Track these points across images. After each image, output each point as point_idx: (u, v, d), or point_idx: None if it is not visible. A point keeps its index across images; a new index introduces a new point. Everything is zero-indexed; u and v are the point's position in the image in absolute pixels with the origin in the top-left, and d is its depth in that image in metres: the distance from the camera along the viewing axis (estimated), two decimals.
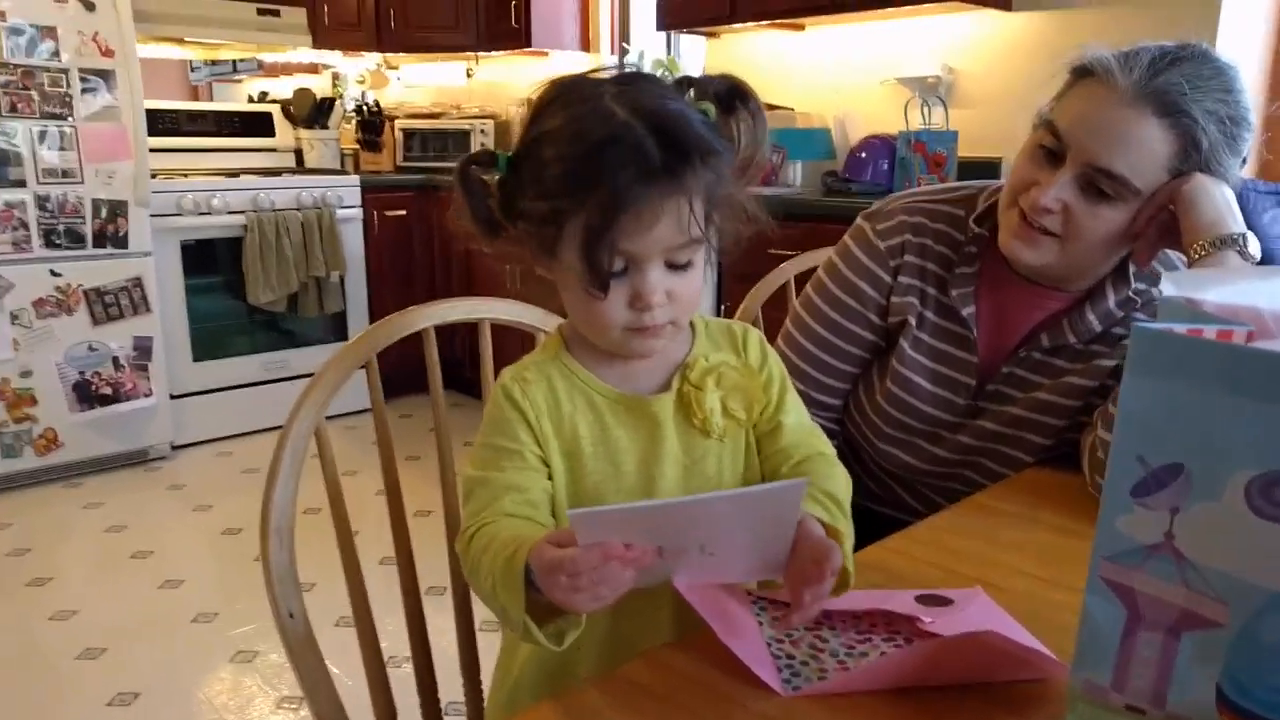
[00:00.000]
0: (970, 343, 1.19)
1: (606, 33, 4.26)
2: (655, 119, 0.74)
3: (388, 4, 4.29)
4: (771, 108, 3.29)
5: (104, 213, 3.30)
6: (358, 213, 3.97)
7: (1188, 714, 0.51)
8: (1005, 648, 0.65)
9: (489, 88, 4.65)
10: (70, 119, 3.19)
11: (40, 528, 2.99)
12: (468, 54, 4.50)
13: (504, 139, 4.52)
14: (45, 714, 2.05)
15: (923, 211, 1.23)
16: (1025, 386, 1.17)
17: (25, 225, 3.15)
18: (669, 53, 3.88)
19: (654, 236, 0.75)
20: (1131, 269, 1.12)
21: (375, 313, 4.12)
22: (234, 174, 3.84)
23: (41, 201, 3.17)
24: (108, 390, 3.39)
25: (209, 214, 3.59)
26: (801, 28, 3.42)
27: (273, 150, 4.38)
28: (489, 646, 1.17)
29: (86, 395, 3.34)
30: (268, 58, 5.09)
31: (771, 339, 0.99)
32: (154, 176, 3.47)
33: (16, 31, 3.07)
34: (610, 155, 0.72)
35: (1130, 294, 1.13)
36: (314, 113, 4.40)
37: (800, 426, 0.92)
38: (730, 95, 0.80)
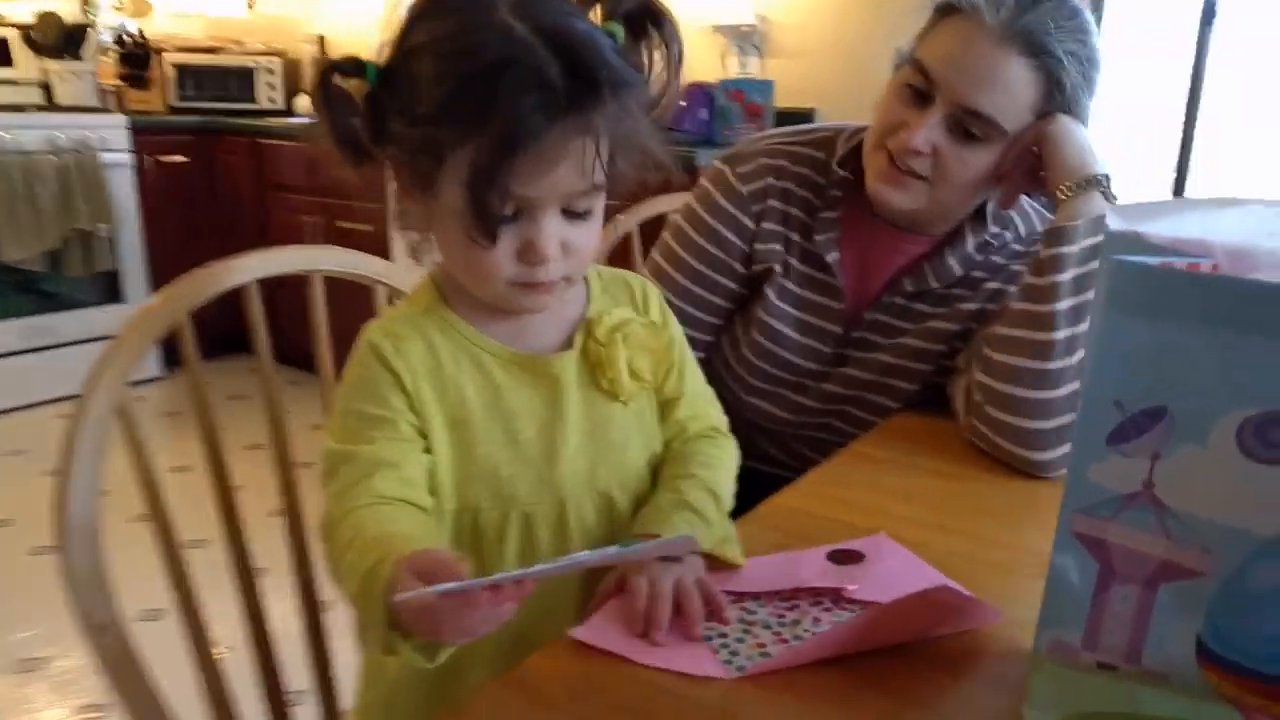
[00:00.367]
0: (836, 290, 1.17)
1: None
2: (561, 40, 0.63)
3: None
4: None
5: None
6: (127, 158, 3.52)
7: (1164, 668, 0.49)
8: (947, 601, 0.62)
9: (273, 22, 4.25)
10: None
11: None
12: None
13: (294, 79, 4.16)
14: None
15: (784, 154, 1.19)
16: (890, 333, 1.17)
17: None
18: None
19: (553, 181, 0.66)
20: (989, 212, 1.13)
21: (157, 272, 3.70)
22: None
23: None
24: None
25: None
26: None
27: (12, 83, 3.80)
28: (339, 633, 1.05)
29: None
30: None
31: None
32: None
33: None
34: (506, 80, 0.61)
35: (987, 238, 1.14)
36: (63, 41, 3.84)
37: (698, 395, 0.86)
38: (642, 15, 0.71)
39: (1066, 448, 0.95)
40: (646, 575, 0.69)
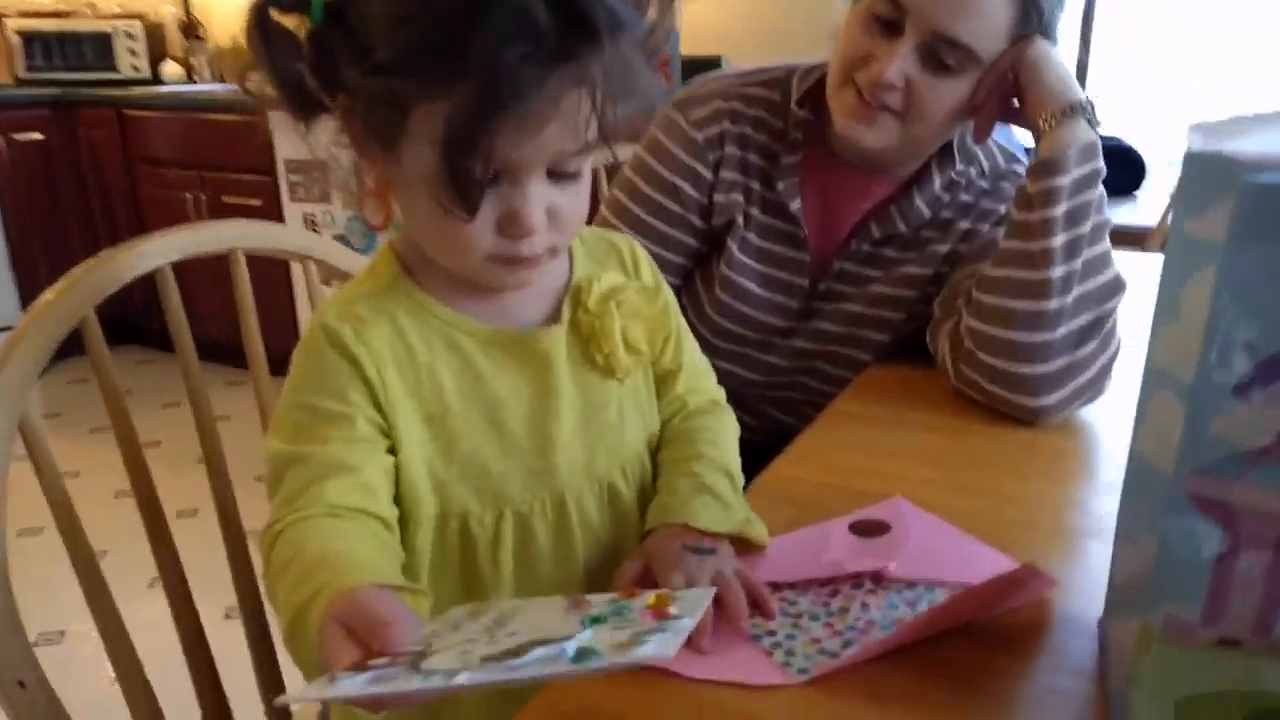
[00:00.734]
0: (800, 240, 1.10)
1: None
2: None
3: None
4: None
5: None
6: None
7: None
8: (1013, 578, 0.58)
9: None
10: None
11: None
12: None
13: (158, 45, 3.84)
14: None
15: (739, 97, 1.11)
16: (859, 282, 1.11)
17: None
18: None
19: (541, 141, 0.56)
20: (956, 147, 1.07)
21: (19, 262, 3.39)
22: None
23: None
24: None
25: None
26: None
27: None
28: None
29: None
30: None
31: None
32: None
33: None
34: (485, 23, 0.51)
35: (953, 176, 1.09)
36: None
37: (696, 367, 0.79)
38: None
39: (1065, 391, 0.92)
40: (681, 572, 0.61)
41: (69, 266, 0.77)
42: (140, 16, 3.74)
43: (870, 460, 0.87)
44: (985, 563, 0.66)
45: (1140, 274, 0.94)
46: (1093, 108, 0.92)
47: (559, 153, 0.58)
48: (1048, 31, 0.96)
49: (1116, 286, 0.92)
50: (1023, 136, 1.14)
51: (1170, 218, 0.52)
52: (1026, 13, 0.94)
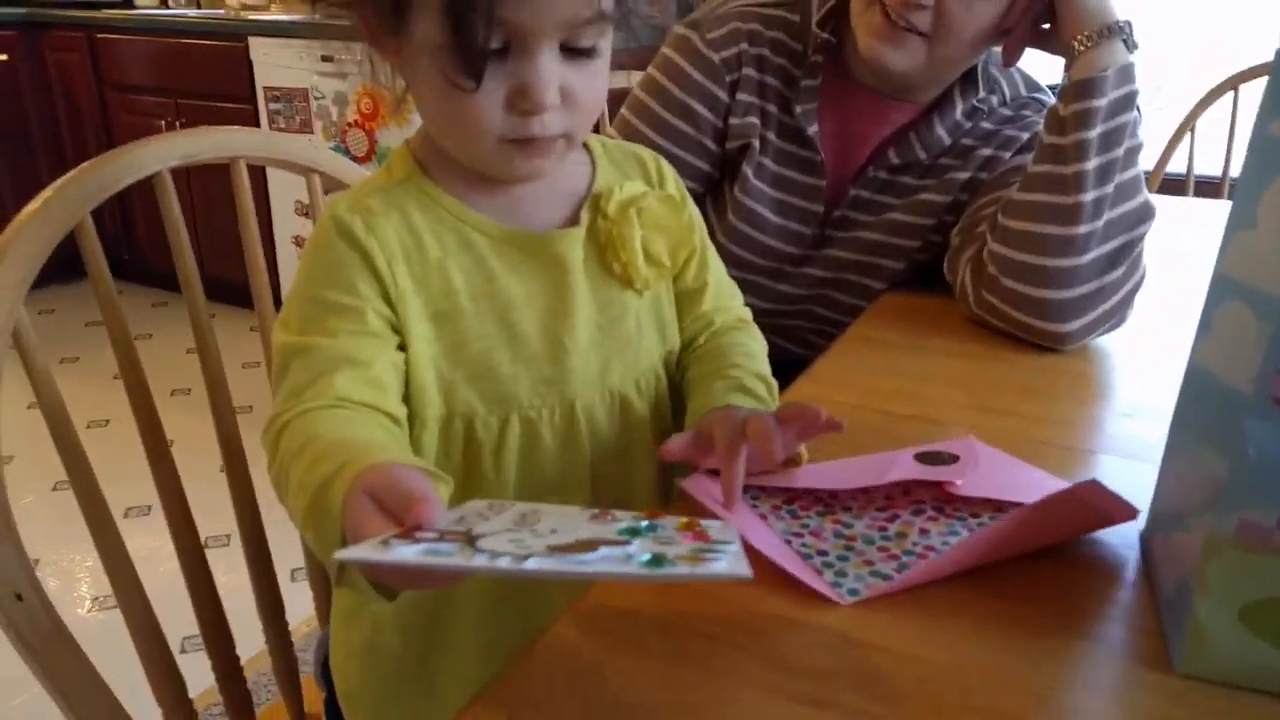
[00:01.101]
0: (817, 166, 1.07)
1: None
2: None
3: None
4: None
5: None
6: None
7: None
8: (1091, 501, 0.55)
9: None
10: None
11: None
12: None
13: None
14: None
15: (757, 18, 1.07)
16: (875, 209, 1.09)
17: None
18: None
19: (551, 2, 0.53)
20: (979, 73, 1.05)
21: None
22: None
23: None
24: None
25: None
26: None
27: None
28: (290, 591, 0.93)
29: None
30: None
31: None
32: None
33: None
34: None
35: (975, 103, 1.06)
36: None
37: (721, 285, 0.77)
38: None
39: (1090, 318, 0.90)
40: (730, 418, 0.62)
41: (36, 194, 0.72)
42: None
43: (896, 382, 0.85)
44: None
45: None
46: (1130, 29, 0.90)
47: (570, 19, 0.55)
48: None
49: (1146, 212, 0.90)
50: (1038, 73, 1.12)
51: (1254, 123, 0.50)
52: None
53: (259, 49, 2.86)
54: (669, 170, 0.74)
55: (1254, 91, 1.89)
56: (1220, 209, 1.45)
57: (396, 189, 0.63)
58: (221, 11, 3.28)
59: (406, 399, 0.63)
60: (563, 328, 0.65)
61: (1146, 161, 2.08)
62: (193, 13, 3.40)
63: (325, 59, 2.70)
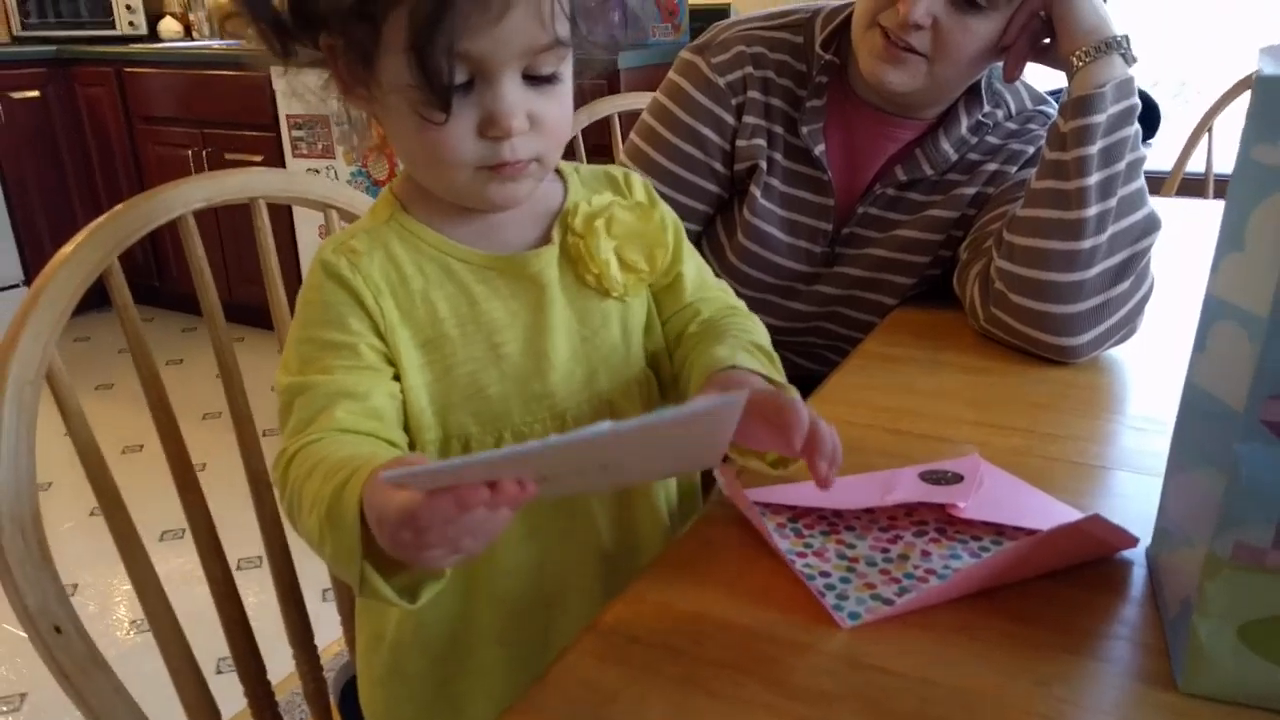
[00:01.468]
0: (825, 185, 1.08)
1: None
2: None
3: None
4: None
5: None
6: None
7: None
8: (1096, 533, 0.56)
9: None
10: None
11: None
12: None
13: (154, 1, 3.77)
14: None
15: (762, 41, 1.09)
16: (883, 226, 1.10)
17: None
18: None
19: (506, 30, 0.56)
20: (984, 88, 1.05)
21: (22, 223, 3.36)
22: None
23: None
24: None
25: None
26: None
27: None
28: (320, 613, 0.95)
29: None
30: None
31: None
32: None
33: None
34: None
35: (980, 118, 1.07)
36: None
37: (702, 276, 0.77)
38: None
39: (1098, 331, 0.91)
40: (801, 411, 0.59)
41: (71, 226, 0.76)
42: None
43: (906, 399, 0.86)
44: (1061, 519, 0.64)
45: (1161, 218, 0.93)
46: (1128, 43, 0.90)
47: (528, 48, 0.58)
48: None
49: (1151, 224, 0.91)
50: (1037, 81, 1.12)
51: (1239, 146, 0.51)
52: None
53: (280, 78, 2.91)
54: (637, 179, 0.75)
55: None
56: None
57: (380, 228, 0.66)
58: (244, 43, 3.35)
59: (405, 426, 0.65)
60: (544, 343, 0.67)
61: (1165, 161, 2.08)
62: (216, 44, 3.47)
63: (330, 80, 2.75)
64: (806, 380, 0.95)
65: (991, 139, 1.08)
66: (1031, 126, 1.08)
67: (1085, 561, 0.61)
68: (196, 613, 0.92)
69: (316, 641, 0.92)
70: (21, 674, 1.75)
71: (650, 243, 0.71)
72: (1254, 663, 0.48)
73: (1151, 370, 0.94)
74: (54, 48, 3.41)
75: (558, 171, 0.72)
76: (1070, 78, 0.92)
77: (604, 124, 1.53)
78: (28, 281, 3.34)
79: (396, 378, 0.64)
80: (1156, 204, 0.93)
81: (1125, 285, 0.90)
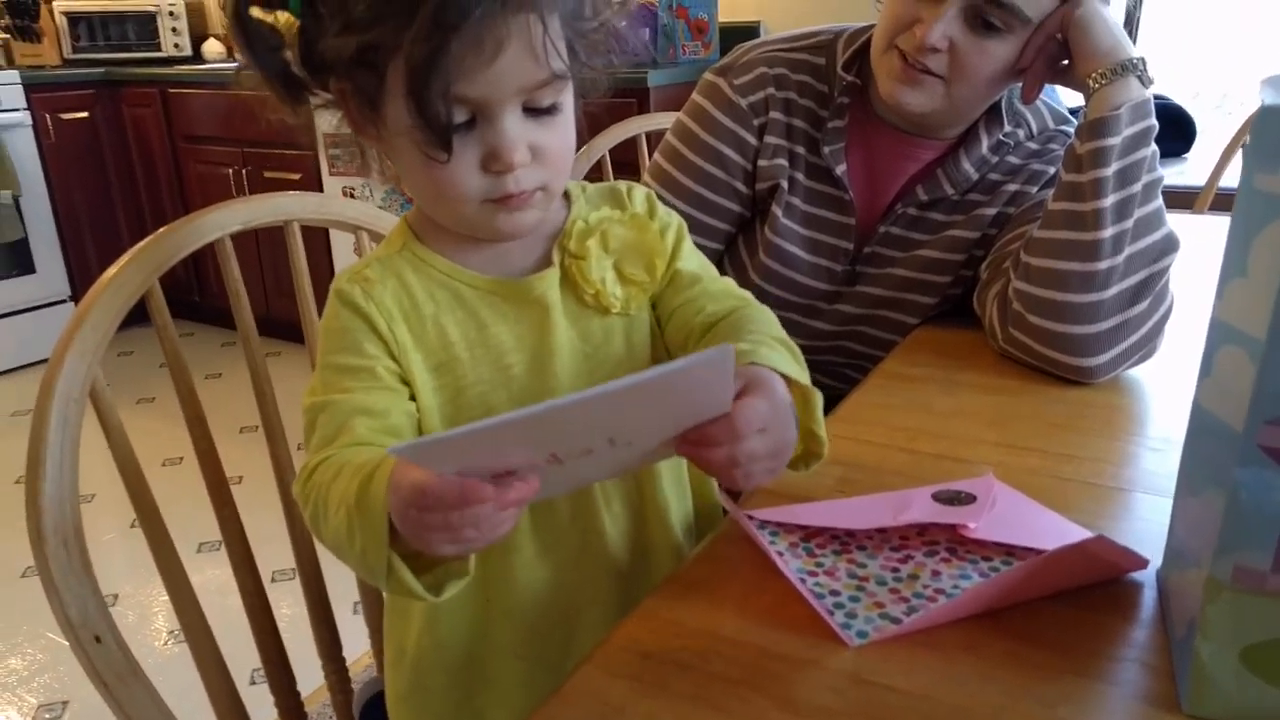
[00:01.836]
0: (846, 204, 1.10)
1: None
2: None
3: None
4: None
5: None
6: (23, 117, 3.26)
7: None
8: (1103, 554, 0.57)
9: None
10: None
11: None
12: None
13: (198, 24, 3.88)
14: None
15: (784, 62, 1.11)
16: (905, 245, 1.11)
17: None
18: None
19: (501, 70, 0.57)
20: (1004, 108, 1.06)
21: (69, 239, 3.46)
22: None
23: None
24: None
25: None
26: None
27: None
28: (350, 625, 0.97)
29: None
30: None
31: None
32: None
33: None
34: None
35: (1001, 138, 1.07)
36: None
37: (705, 272, 0.76)
38: None
39: (1116, 351, 0.91)
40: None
41: (116, 242, 0.79)
42: None
43: (924, 420, 0.87)
44: (1072, 541, 0.65)
45: (1190, 234, 0.92)
46: (1144, 65, 0.91)
47: (525, 85, 0.59)
48: None
49: (1169, 245, 0.91)
50: (1068, 97, 1.13)
51: (1241, 173, 0.52)
52: None
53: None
54: (639, 190, 0.75)
55: None
56: None
57: (393, 257, 0.68)
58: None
59: None
60: (549, 364, 0.69)
61: (1200, 176, 2.06)
62: None
63: (343, 120, 2.81)
64: (828, 399, 0.96)
65: (1013, 159, 1.08)
66: (1053, 146, 1.09)
67: (1095, 583, 0.61)
68: (230, 624, 0.95)
69: (345, 654, 0.95)
70: (64, 682, 1.80)
71: (649, 252, 0.72)
72: (1256, 686, 0.48)
73: (1171, 390, 0.94)
74: (102, 70, 3.51)
75: (565, 193, 0.74)
76: (1087, 100, 0.92)
77: (631, 143, 1.56)
78: (75, 295, 3.44)
79: (413, 398, 0.67)
80: (1188, 220, 0.93)
81: (1143, 305, 0.90)
